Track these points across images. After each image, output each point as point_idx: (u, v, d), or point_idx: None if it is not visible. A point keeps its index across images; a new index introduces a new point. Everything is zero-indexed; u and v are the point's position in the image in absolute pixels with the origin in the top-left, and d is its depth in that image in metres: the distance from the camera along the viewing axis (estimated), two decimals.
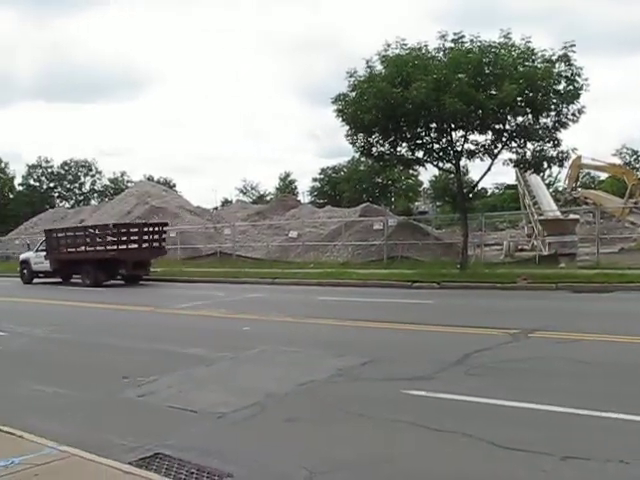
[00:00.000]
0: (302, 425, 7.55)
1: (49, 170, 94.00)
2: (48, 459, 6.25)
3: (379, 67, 23.23)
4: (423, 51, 22.89)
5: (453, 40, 22.56)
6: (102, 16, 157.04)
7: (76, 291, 26.58)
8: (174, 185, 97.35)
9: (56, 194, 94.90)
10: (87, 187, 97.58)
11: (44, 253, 31.98)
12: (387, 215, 38.35)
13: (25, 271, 33.90)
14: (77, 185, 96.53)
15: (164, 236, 32.03)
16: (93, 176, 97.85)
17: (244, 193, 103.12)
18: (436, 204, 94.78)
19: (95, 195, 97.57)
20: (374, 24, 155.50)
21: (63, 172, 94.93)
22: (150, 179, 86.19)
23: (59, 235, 32.01)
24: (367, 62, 23.26)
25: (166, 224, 33.76)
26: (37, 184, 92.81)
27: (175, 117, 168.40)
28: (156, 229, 31.44)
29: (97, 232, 30.80)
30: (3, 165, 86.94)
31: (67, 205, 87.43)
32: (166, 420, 7.88)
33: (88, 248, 29.73)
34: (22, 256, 35.27)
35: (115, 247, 28.72)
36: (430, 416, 7.46)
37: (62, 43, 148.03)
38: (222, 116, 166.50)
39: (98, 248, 29.34)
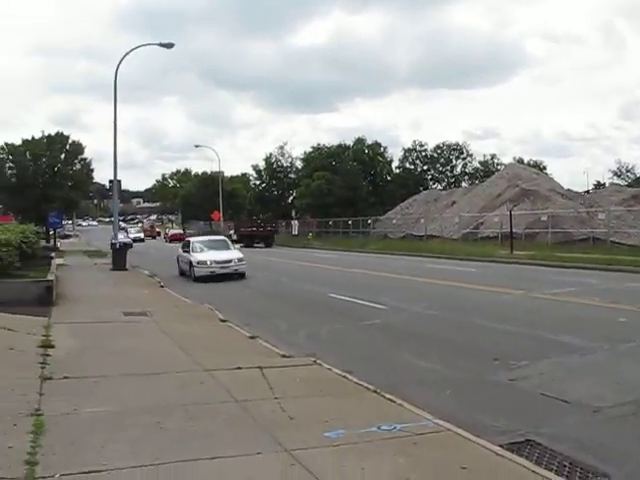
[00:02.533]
0: None
1: (423, 154, 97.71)
2: (425, 430, 6.62)
3: None
4: None
5: None
6: (472, 3, 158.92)
7: (409, 267, 27.29)
8: (544, 168, 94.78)
9: (429, 176, 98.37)
10: (458, 170, 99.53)
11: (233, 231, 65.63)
12: None
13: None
14: (449, 168, 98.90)
15: (274, 225, 64.83)
16: (464, 159, 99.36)
17: (618, 176, 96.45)
18: None
19: (466, 178, 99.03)
20: None
21: (436, 155, 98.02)
22: (520, 162, 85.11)
23: (238, 222, 69.05)
24: None
25: (275, 221, 68.33)
26: (412, 167, 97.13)
27: (545, 98, 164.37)
28: (269, 222, 64.80)
29: (247, 221, 66.55)
30: (382, 150, 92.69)
31: (439, 187, 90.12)
32: (538, 407, 7.81)
33: (244, 229, 61.91)
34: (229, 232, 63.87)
35: (249, 229, 60.80)
36: None
37: (436, 33, 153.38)
38: (594, 94, 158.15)
39: (246, 229, 61.36)
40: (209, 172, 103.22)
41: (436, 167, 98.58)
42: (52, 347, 10.78)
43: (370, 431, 6.54)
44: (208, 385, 8.50)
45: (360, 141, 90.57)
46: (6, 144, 53.43)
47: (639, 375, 9.08)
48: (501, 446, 6.27)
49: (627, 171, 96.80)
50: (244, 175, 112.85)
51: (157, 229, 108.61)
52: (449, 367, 9.90)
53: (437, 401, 7.99)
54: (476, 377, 9.28)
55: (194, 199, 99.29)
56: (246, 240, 57.35)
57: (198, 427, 6.69)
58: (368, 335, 12.99)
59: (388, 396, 7.87)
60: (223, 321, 14.61)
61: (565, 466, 5.99)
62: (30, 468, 5.44)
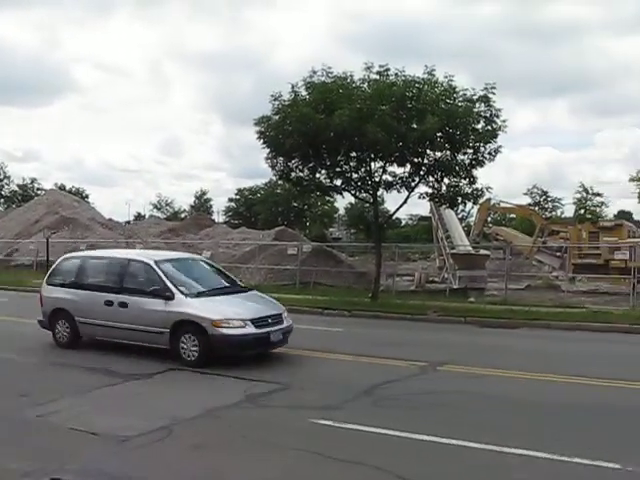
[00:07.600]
0: (209, 452, 7.39)
1: None
2: None
3: (304, 92, 23.07)
4: (348, 80, 22.77)
5: (378, 72, 22.50)
6: (23, 16, 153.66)
7: None
8: (86, 196, 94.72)
9: None
10: None
11: None
12: (301, 240, 38.12)
13: None
14: None
15: None
16: (1, 180, 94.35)
17: (158, 209, 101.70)
18: (350, 231, 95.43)
19: (1, 201, 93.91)
20: (296, 48, 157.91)
21: None
22: (62, 188, 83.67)
23: None
24: (292, 87, 22.97)
25: None
26: None
27: (91, 126, 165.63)
28: None
29: None
30: None
31: None
32: (67, 442, 7.58)
33: None
34: None
35: None
36: (336, 446, 7.43)
37: None
38: (139, 128, 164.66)
39: None
40: None
41: None
42: None
43: None
44: None
45: None
46: None
47: (165, 403, 9.43)
48: None
49: (166, 205, 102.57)
50: None
51: None
52: None
53: None
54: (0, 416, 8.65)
55: None
56: None
57: None
58: None
59: None
60: None
61: None
62: None
